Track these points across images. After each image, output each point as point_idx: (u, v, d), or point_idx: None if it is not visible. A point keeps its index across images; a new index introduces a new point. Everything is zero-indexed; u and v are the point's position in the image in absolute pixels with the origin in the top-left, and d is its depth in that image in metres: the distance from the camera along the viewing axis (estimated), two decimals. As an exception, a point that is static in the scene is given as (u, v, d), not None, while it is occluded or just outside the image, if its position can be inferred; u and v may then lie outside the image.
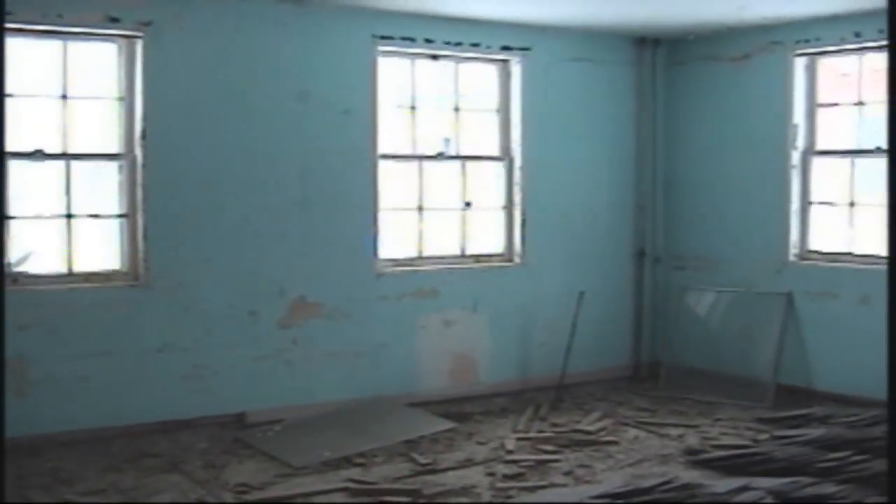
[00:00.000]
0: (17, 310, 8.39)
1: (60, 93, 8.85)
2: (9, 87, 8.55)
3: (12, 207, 8.68)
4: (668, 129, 11.80)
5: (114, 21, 8.81)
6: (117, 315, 8.92)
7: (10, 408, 8.33)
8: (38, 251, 8.90)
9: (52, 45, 8.83)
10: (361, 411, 9.67)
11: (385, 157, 10.21)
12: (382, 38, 10.04)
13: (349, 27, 9.84)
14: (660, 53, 11.76)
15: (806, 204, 10.65)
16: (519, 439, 9.06)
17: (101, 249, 9.16)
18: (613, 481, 7.75)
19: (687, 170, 11.67)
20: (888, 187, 5.04)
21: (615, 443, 9.00)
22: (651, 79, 11.73)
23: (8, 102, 8.54)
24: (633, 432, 9.36)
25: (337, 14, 9.75)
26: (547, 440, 9.05)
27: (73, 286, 8.85)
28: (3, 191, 5.42)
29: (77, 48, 8.95)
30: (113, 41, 9.03)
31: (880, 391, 5.00)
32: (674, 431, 9.36)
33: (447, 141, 10.69)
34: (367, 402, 9.88)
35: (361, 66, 9.98)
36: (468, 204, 10.83)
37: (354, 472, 8.09)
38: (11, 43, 8.57)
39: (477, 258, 10.86)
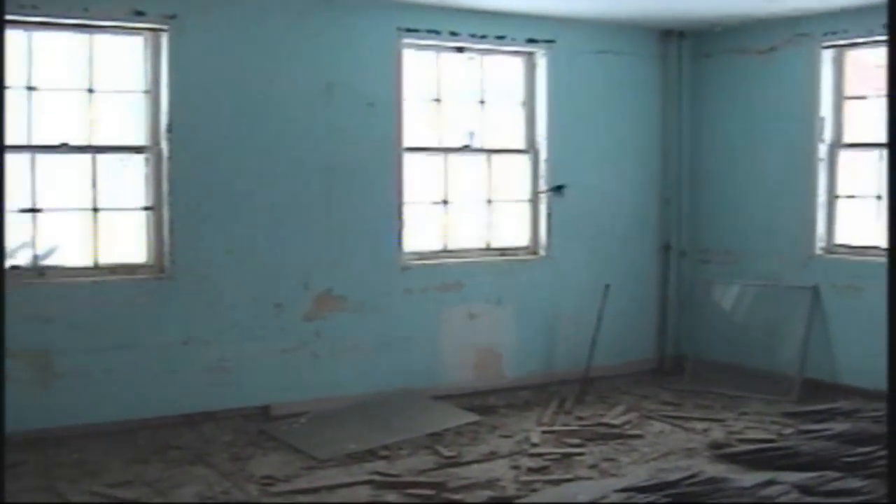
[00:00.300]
0: (43, 302, 8.51)
1: (86, 86, 8.88)
2: (35, 81, 8.66)
3: (39, 200, 8.71)
4: (693, 122, 11.75)
5: (139, 14, 8.83)
6: (143, 308, 8.94)
7: (37, 400, 8.47)
8: (63, 244, 8.92)
9: (78, 39, 8.85)
10: (386, 404, 9.67)
11: (410, 149, 10.20)
12: (407, 30, 10.03)
13: (374, 20, 9.84)
14: (685, 46, 11.71)
15: (833, 197, 10.59)
16: (544, 432, 9.08)
17: (126, 242, 9.18)
18: (638, 475, 7.74)
19: (713, 163, 11.62)
20: (888, 183, 5.05)
21: (640, 436, 9.00)
22: (677, 71, 11.69)
23: (34, 95, 8.66)
24: (658, 426, 9.35)
25: (362, 6, 9.75)
26: (572, 433, 9.05)
27: (99, 279, 8.87)
28: (3, 185, 5.43)
29: (103, 41, 8.96)
30: (138, 34, 9.05)
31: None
32: (699, 425, 9.34)
33: (471, 134, 10.68)
34: (391, 394, 9.88)
35: (386, 59, 9.98)
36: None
37: (379, 465, 8.13)
38: (38, 36, 8.66)
39: (502, 251, 10.83)
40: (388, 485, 7.65)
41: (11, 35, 8.56)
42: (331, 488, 7.58)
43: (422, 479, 7.77)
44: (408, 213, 10.19)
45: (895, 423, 5.07)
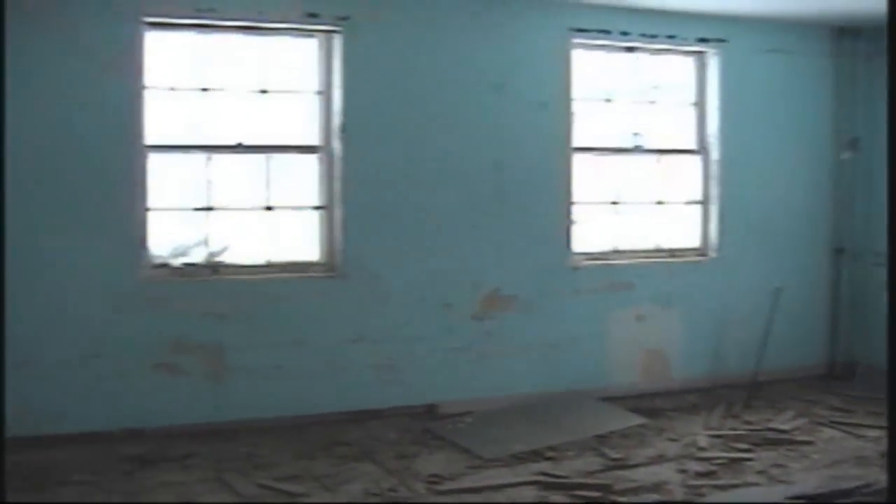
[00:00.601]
0: (216, 299, 8.73)
1: (260, 87, 9.05)
2: (210, 83, 8.85)
3: (213, 199, 8.92)
4: (868, 121, 11.46)
5: (312, 16, 8.97)
6: (313, 305, 9.09)
7: (208, 394, 8.72)
8: (236, 242, 9.10)
9: (254, 41, 9.03)
10: (552, 404, 9.66)
11: (579, 149, 10.18)
12: (578, 30, 10.01)
13: (545, 20, 9.85)
14: (861, 44, 11.44)
15: None
16: (711, 436, 8.96)
17: (298, 240, 9.33)
18: (809, 482, 7.61)
19: (889, 164, 11.33)
20: (888, 186, 4.93)
21: (810, 443, 8.82)
22: (851, 70, 11.43)
23: (210, 97, 8.85)
24: (828, 432, 9.17)
25: (533, 7, 9.76)
26: (740, 438, 8.92)
27: (271, 276, 9.05)
28: (3, 184, 5.52)
29: (276, 43, 9.14)
30: (312, 36, 9.19)
31: None
32: (871, 433, 9.13)
33: (638, 135, 10.60)
34: (557, 395, 9.87)
35: (557, 59, 9.98)
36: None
37: (545, 466, 8.09)
38: (214, 40, 8.85)
39: (672, 252, 10.75)
40: (553, 486, 7.62)
41: (189, 37, 8.80)
42: (496, 488, 7.57)
43: (588, 480, 7.72)
44: (577, 212, 10.18)
45: (894, 422, 4.98)
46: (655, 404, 10.06)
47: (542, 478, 7.78)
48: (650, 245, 10.71)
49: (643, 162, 10.65)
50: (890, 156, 4.68)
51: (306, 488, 7.51)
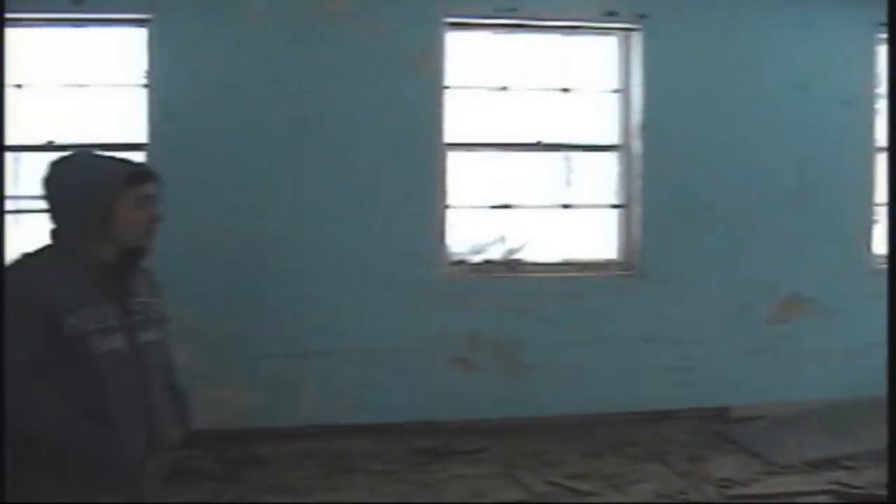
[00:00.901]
0: (514, 296, 8.85)
1: (560, 86, 9.12)
2: (509, 81, 8.95)
3: (512, 196, 9.07)
4: None
5: (611, 15, 8.99)
6: (610, 304, 9.10)
7: (502, 390, 8.83)
8: (534, 240, 9.21)
9: (553, 40, 9.13)
10: (849, 412, 9.39)
11: (882, 149, 9.84)
12: (884, 24, 9.70)
13: (850, 14, 9.56)
14: None
15: None
16: None
17: (596, 239, 9.37)
18: None
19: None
20: (888, 187, 4.64)
21: None
22: None
23: (509, 95, 8.96)
24: None
25: (837, 1, 9.52)
26: None
27: (569, 275, 9.11)
28: (3, 184, 5.50)
29: (576, 42, 9.21)
30: (611, 34, 9.22)
31: None
32: None
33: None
34: (856, 402, 9.58)
35: (862, 55, 9.68)
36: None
37: (841, 475, 7.89)
38: (514, 39, 8.96)
39: (980, 256, 10.33)
40: (849, 496, 7.45)
41: (489, 37, 8.94)
42: (790, 496, 7.45)
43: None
44: (879, 214, 9.88)
45: (895, 422, 4.69)
46: (960, 415, 9.71)
47: (837, 487, 7.60)
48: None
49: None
50: (890, 155, 4.48)
51: (595, 487, 7.56)
